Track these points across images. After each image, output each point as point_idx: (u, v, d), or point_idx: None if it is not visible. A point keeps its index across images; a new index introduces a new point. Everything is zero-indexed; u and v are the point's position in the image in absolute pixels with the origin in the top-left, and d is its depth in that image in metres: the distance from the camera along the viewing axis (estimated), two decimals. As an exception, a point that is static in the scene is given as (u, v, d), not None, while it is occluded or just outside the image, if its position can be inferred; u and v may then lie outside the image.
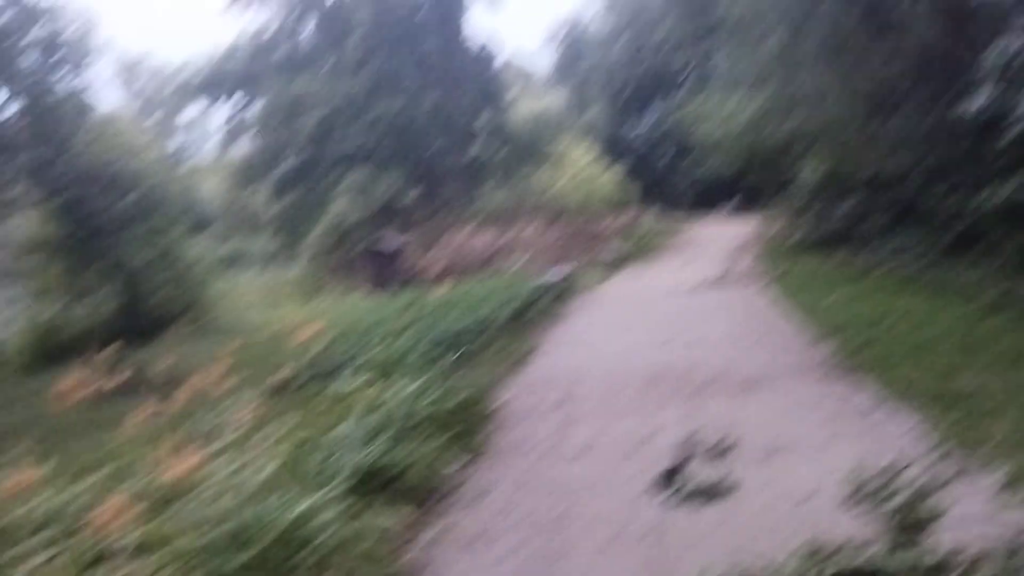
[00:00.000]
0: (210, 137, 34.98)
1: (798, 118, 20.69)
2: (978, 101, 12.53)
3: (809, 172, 22.76)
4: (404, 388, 6.86)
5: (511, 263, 20.48)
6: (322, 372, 8.06)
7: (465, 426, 6.54)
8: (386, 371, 7.57)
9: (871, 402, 6.99)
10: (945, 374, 7.48)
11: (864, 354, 8.57)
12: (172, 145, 47.79)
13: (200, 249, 21.83)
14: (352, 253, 22.30)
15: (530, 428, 6.91)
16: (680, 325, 11.53)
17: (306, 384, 7.93)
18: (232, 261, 30.27)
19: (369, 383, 7.19)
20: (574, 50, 56.08)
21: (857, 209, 17.98)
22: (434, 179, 30.97)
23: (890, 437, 6.02)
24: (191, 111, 38.14)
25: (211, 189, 37.60)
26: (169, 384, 9.25)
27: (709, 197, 45.43)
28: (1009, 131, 11.77)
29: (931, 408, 6.50)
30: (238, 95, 31.98)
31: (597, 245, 24.11)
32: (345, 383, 7.21)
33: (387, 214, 26.86)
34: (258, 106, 31.88)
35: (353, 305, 15.94)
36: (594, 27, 55.97)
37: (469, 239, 22.91)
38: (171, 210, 19.04)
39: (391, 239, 20.61)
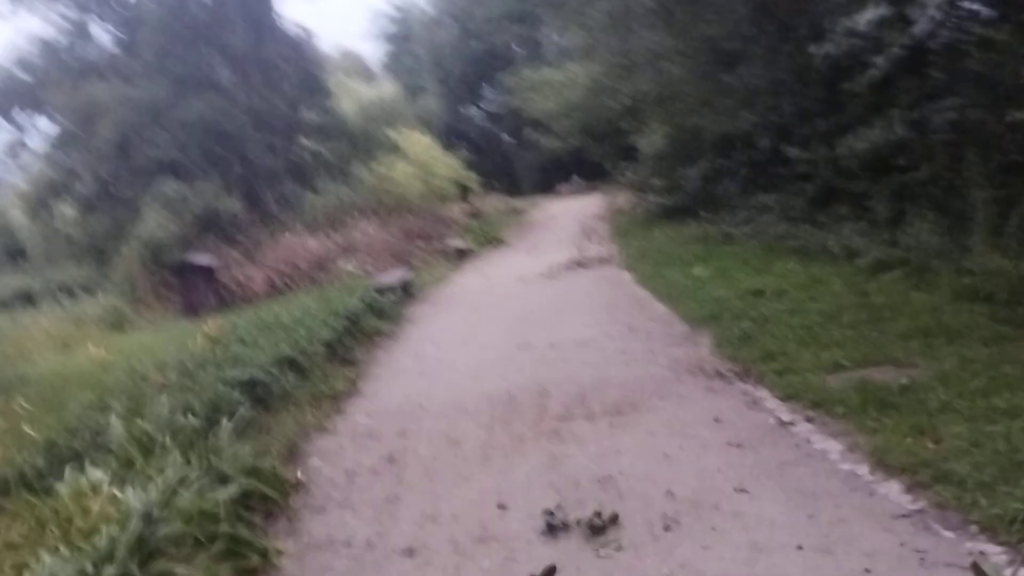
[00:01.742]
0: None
1: (634, 84, 19.54)
2: (828, 45, 11.47)
3: (651, 139, 21.76)
4: (161, 476, 4.84)
5: (345, 268, 18.37)
6: (57, 459, 5.83)
7: (241, 530, 4.55)
8: (145, 446, 5.49)
9: (787, 419, 5.51)
10: (861, 362, 6.13)
11: (754, 346, 7.14)
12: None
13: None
14: (162, 275, 19.53)
15: (336, 517, 4.98)
16: (535, 323, 9.87)
17: (28, 481, 5.68)
18: (31, 296, 26.54)
19: (114, 473, 5.10)
20: (402, 36, 53.97)
21: (708, 172, 16.88)
22: (256, 183, 28.23)
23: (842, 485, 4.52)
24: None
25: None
26: None
27: (551, 176, 44.59)
28: (866, 73, 10.73)
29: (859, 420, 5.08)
30: (21, 111, 28.08)
31: (440, 238, 22.29)
32: (74, 481, 5.04)
33: (206, 227, 24.08)
34: (46, 122, 28.13)
35: (140, 343, 13.48)
36: (421, 11, 54.01)
37: (297, 246, 20.58)
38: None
39: (200, 255, 18.07)
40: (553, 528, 4.32)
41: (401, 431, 6.46)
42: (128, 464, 5.19)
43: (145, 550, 4.12)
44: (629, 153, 25.43)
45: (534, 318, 10.24)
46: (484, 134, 53.24)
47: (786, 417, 5.53)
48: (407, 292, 14.54)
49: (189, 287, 16.89)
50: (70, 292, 26.27)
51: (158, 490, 4.62)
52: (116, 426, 5.53)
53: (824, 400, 5.57)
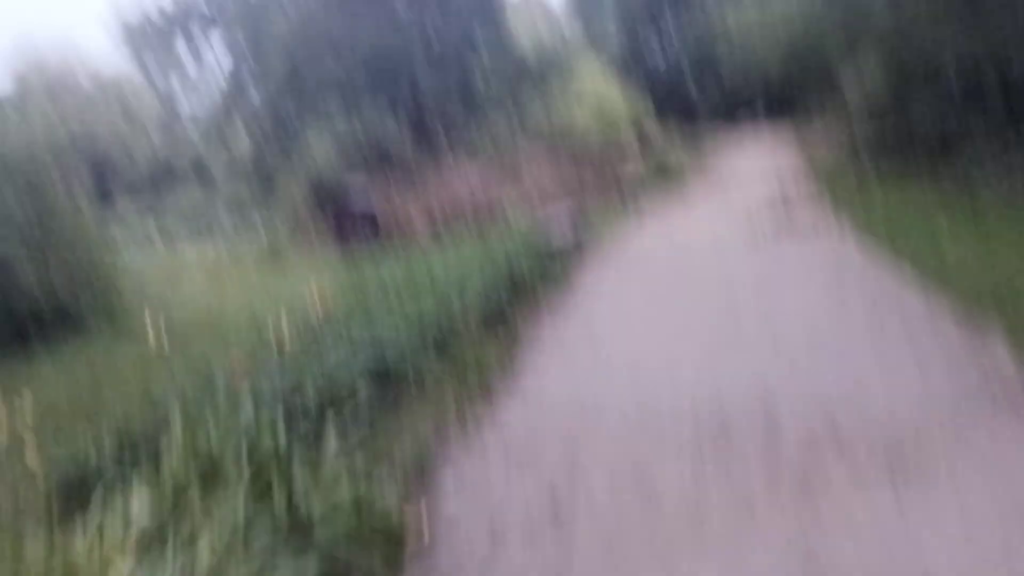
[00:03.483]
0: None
1: (859, 6, 16.50)
2: None
3: (871, 68, 18.43)
4: (210, 528, 3.28)
5: (511, 211, 16.69)
6: (97, 469, 4.35)
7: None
8: (210, 465, 3.95)
9: None
10: None
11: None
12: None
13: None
14: (323, 210, 18.57)
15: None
16: (745, 307, 7.72)
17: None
18: (189, 226, 26.68)
19: (156, 507, 3.57)
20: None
21: (950, 112, 13.77)
22: (425, 112, 26.98)
23: None
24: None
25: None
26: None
27: (735, 114, 41.16)
28: None
29: None
30: (197, 32, 27.97)
31: (616, 180, 20.21)
32: (98, 519, 3.54)
33: (371, 157, 23.06)
34: (220, 44, 27.91)
35: (286, 286, 12.28)
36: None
37: (463, 182, 19.09)
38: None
39: (360, 190, 16.86)
40: None
41: (568, 453, 4.65)
42: (180, 493, 3.64)
43: None
44: (834, 87, 22.19)
45: (740, 298, 8.10)
46: (665, 68, 50.10)
47: None
48: (579, 243, 12.70)
49: (346, 221, 15.73)
50: (240, 219, 26.16)
51: (193, 561, 3.03)
52: (175, 433, 4.01)
53: None
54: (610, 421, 5.14)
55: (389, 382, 5.63)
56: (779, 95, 35.54)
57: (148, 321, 8.43)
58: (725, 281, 9.06)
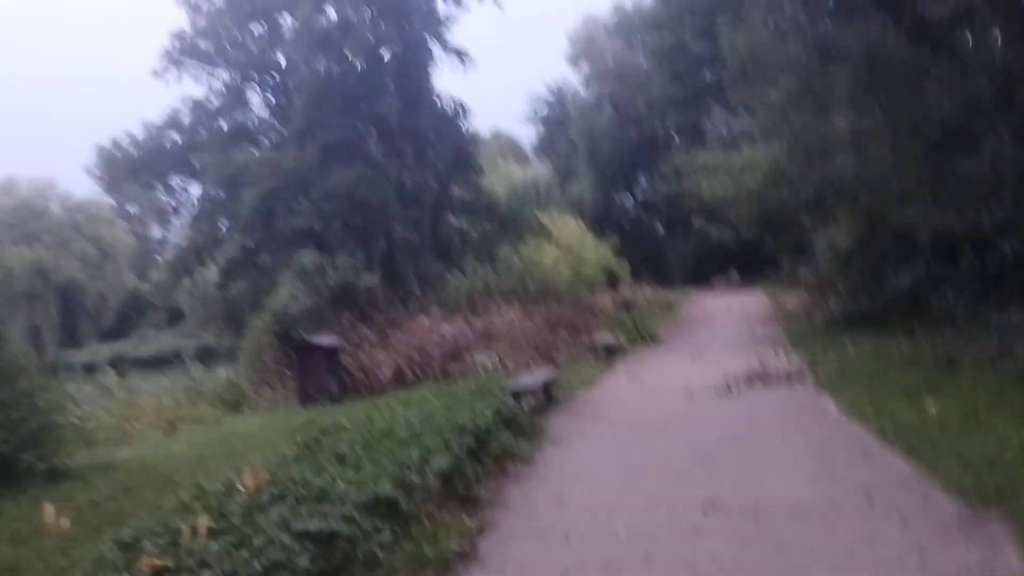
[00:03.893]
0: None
1: (824, 170, 16.93)
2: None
3: (835, 235, 18.94)
4: None
5: (482, 361, 16.34)
6: None
7: None
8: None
9: None
10: None
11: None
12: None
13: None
14: (287, 353, 18.09)
15: None
16: (720, 468, 7.26)
17: None
18: (156, 362, 26.04)
19: None
20: (558, 119, 53.22)
21: (923, 279, 13.91)
22: (398, 259, 27.06)
23: None
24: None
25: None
26: None
27: (705, 270, 41.81)
28: None
29: None
30: (173, 175, 28.20)
31: (587, 330, 20.04)
32: None
33: (341, 302, 22.83)
34: (195, 188, 28.12)
35: (245, 433, 11.69)
36: (578, 96, 53.22)
37: (433, 331, 18.80)
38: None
39: (324, 336, 16.50)
40: None
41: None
42: None
43: None
44: (805, 249, 22.62)
45: (717, 459, 7.69)
46: (636, 222, 51.30)
47: None
48: (549, 396, 12.30)
49: (309, 370, 15.25)
50: (206, 359, 25.55)
51: None
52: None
53: None
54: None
55: (334, 560, 5.08)
56: (747, 256, 36.27)
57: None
58: (695, 431, 8.90)
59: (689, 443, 8.52)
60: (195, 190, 28.29)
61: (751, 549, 5.18)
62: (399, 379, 16.30)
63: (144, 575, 4.84)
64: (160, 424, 14.50)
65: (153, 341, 41.63)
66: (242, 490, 6.24)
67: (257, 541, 5.17)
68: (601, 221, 42.17)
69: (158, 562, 5.00)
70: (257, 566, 4.68)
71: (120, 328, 48.38)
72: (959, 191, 12.32)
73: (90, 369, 28.76)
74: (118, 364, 29.12)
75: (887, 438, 7.71)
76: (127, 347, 40.03)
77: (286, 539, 5.10)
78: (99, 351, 38.96)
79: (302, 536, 5.12)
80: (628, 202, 53.46)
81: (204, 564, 4.88)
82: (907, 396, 9.51)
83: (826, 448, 7.66)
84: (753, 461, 7.46)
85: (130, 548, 5.43)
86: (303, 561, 4.80)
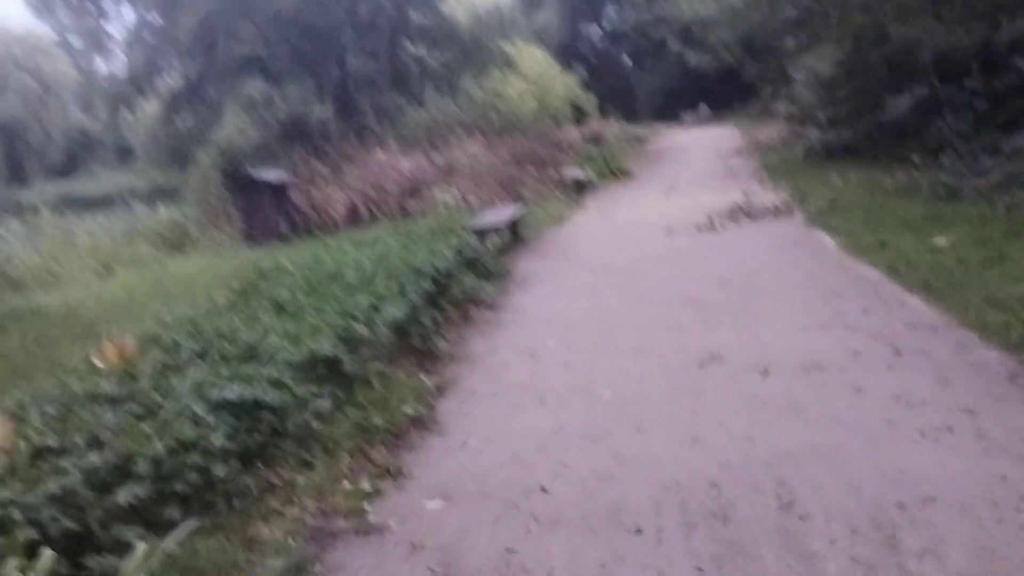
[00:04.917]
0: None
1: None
2: None
3: (824, 59, 17.58)
4: None
5: (443, 198, 15.24)
6: None
7: None
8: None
9: None
10: None
11: None
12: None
13: None
14: (236, 191, 16.75)
15: None
16: (716, 313, 6.43)
17: None
18: (106, 202, 24.54)
19: None
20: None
21: (924, 102, 12.74)
22: (352, 90, 25.24)
23: None
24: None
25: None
26: None
27: (673, 104, 40.45)
28: None
29: None
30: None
31: (555, 165, 18.86)
32: None
33: (291, 136, 21.31)
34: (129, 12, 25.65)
35: (182, 275, 10.64)
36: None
37: (390, 166, 17.52)
38: None
39: (270, 171, 15.18)
40: None
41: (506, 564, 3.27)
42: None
43: None
44: (786, 78, 21.31)
45: (708, 303, 6.80)
46: (603, 55, 49.04)
47: None
48: (516, 235, 11.34)
49: (255, 208, 14.05)
50: (160, 198, 23.99)
51: None
52: None
53: None
54: (565, 500, 3.78)
55: (262, 436, 4.17)
56: (716, 90, 34.74)
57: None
58: (682, 272, 8.10)
59: (674, 286, 7.62)
60: (136, 18, 25.70)
61: (765, 416, 4.32)
62: (354, 217, 15.20)
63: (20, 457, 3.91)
64: (95, 266, 13.37)
65: (104, 180, 39.71)
66: (100, 366, 5.25)
67: (165, 412, 4.24)
68: (567, 53, 40.07)
69: (38, 439, 4.08)
70: (160, 447, 3.74)
71: (70, 166, 46.21)
72: (967, 5, 11.06)
73: (36, 210, 27.28)
74: (67, 203, 27.62)
75: (899, 276, 6.86)
76: (76, 186, 38.21)
77: (200, 410, 4.16)
78: (45, 190, 37.14)
79: (219, 406, 4.18)
80: (596, 34, 50.98)
81: (96, 442, 3.96)
82: (910, 230, 8.67)
83: (831, 289, 6.79)
84: (750, 306, 6.58)
85: (15, 420, 4.51)
86: (218, 439, 3.87)
